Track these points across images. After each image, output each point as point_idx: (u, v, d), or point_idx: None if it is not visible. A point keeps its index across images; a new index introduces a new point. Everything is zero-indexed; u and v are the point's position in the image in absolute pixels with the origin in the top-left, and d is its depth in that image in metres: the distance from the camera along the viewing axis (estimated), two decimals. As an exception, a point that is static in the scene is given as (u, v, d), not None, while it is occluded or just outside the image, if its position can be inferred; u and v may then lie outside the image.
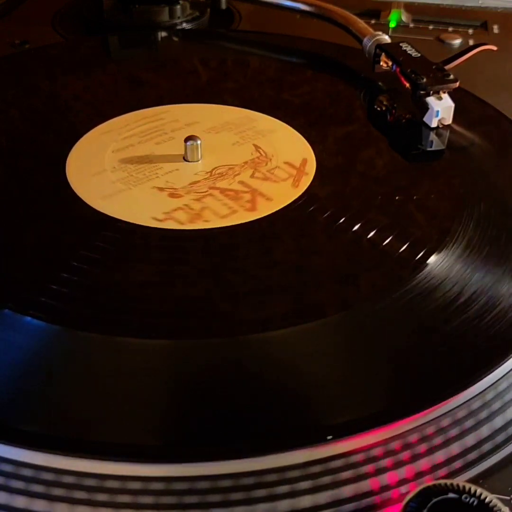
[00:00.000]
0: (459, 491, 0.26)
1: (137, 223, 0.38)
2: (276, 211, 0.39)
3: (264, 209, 0.39)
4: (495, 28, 0.66)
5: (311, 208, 0.40)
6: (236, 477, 0.28)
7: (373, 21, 0.66)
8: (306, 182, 0.41)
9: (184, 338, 0.32)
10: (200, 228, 0.38)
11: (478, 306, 0.34)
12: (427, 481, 0.27)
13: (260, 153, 0.44)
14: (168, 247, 0.37)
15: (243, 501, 0.28)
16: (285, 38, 0.60)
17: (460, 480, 0.26)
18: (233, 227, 0.38)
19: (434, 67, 0.48)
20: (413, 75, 0.47)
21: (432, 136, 0.46)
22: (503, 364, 0.31)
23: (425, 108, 0.46)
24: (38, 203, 0.41)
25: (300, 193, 0.41)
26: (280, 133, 0.46)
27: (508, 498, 0.29)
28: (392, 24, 0.67)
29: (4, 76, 0.54)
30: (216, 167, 0.43)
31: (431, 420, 0.29)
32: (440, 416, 0.30)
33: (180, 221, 0.38)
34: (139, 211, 0.39)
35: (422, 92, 0.46)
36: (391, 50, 0.50)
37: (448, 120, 0.46)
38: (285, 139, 0.46)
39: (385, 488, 0.28)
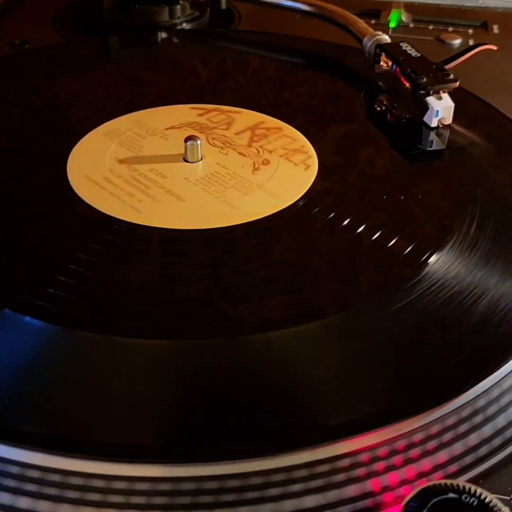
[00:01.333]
0: (459, 491, 0.26)
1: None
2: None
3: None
4: (495, 28, 0.66)
5: (311, 207, 0.40)
6: (235, 477, 0.28)
7: (373, 21, 0.66)
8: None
9: (184, 338, 0.32)
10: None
11: (479, 305, 0.34)
12: (427, 481, 0.27)
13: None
14: (168, 247, 0.37)
15: (242, 501, 0.28)
16: (285, 38, 0.60)
17: (460, 480, 0.26)
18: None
19: (434, 67, 0.48)
20: (413, 75, 0.47)
21: (432, 136, 0.46)
22: (504, 365, 0.31)
23: (425, 108, 0.46)
24: (39, 203, 0.41)
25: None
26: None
27: (508, 498, 0.29)
28: (392, 24, 0.67)
29: (4, 76, 0.54)
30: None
31: (432, 420, 0.29)
32: (441, 416, 0.30)
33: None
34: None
35: (422, 92, 0.46)
36: (391, 50, 0.50)
37: (448, 120, 0.46)
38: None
39: (386, 488, 0.28)
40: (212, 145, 0.45)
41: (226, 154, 0.44)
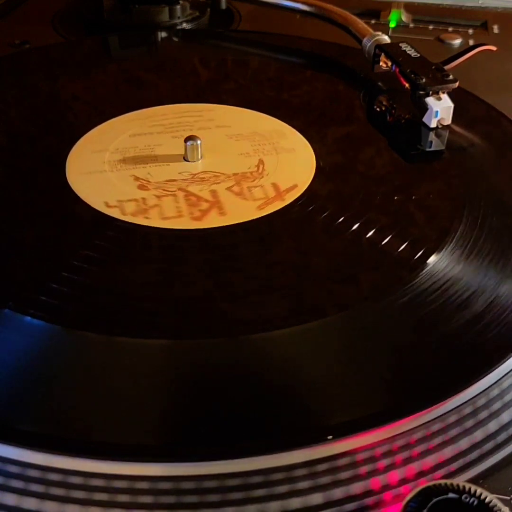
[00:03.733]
0: (459, 491, 0.26)
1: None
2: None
3: (211, 221, 0.39)
4: (495, 28, 0.66)
5: (311, 208, 0.40)
6: (235, 476, 0.28)
7: (373, 21, 0.66)
8: (276, 206, 0.40)
9: (184, 338, 0.32)
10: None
11: (478, 306, 0.34)
12: (427, 481, 0.27)
13: (258, 168, 0.43)
14: (168, 247, 0.37)
15: (241, 501, 0.28)
16: (285, 38, 0.60)
17: (460, 480, 0.26)
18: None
19: (433, 67, 0.48)
20: (412, 75, 0.47)
21: (432, 136, 0.46)
22: (502, 365, 0.31)
23: (424, 108, 0.46)
24: (38, 203, 0.41)
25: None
26: (294, 154, 0.45)
27: (508, 498, 0.29)
28: (392, 24, 0.67)
29: (4, 76, 0.54)
30: (203, 171, 0.43)
31: (431, 420, 0.30)
32: (440, 416, 0.30)
33: (123, 212, 0.39)
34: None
35: (421, 92, 0.46)
36: (391, 50, 0.50)
37: (447, 121, 0.46)
38: (294, 160, 0.44)
39: (385, 488, 0.28)
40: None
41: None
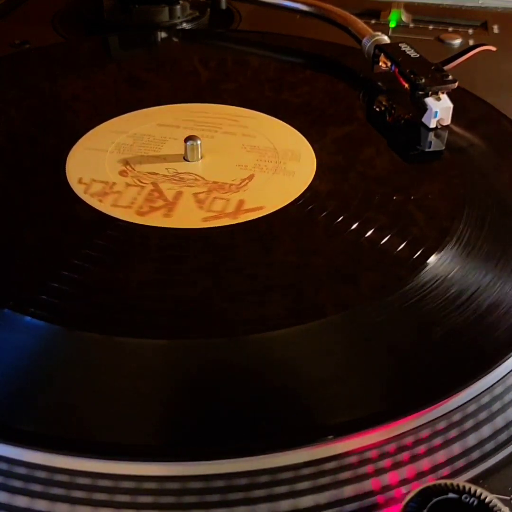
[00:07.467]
0: (459, 491, 0.26)
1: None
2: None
3: (153, 220, 0.39)
4: (495, 28, 0.66)
5: (311, 207, 0.40)
6: (235, 477, 0.28)
7: (373, 21, 0.66)
8: (223, 222, 0.39)
9: (184, 338, 0.32)
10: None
11: (478, 305, 0.34)
12: (428, 481, 0.27)
13: (242, 182, 0.42)
14: (168, 246, 0.37)
15: (242, 501, 0.28)
16: (285, 38, 0.60)
17: (460, 480, 0.26)
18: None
19: (433, 67, 0.48)
20: (411, 76, 0.47)
21: (431, 136, 0.46)
22: (502, 364, 0.31)
23: (423, 108, 0.46)
24: (38, 203, 0.41)
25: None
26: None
27: (508, 498, 0.29)
28: (392, 24, 0.67)
29: (4, 76, 0.54)
30: (187, 172, 0.43)
31: (432, 420, 0.30)
32: (441, 416, 0.30)
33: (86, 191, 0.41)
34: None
35: (420, 92, 0.46)
36: (390, 51, 0.50)
37: (447, 121, 0.46)
38: (285, 183, 0.42)
39: (386, 488, 0.28)
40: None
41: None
